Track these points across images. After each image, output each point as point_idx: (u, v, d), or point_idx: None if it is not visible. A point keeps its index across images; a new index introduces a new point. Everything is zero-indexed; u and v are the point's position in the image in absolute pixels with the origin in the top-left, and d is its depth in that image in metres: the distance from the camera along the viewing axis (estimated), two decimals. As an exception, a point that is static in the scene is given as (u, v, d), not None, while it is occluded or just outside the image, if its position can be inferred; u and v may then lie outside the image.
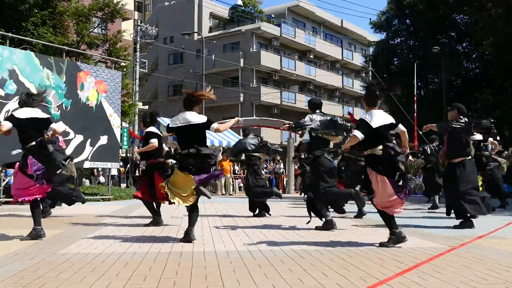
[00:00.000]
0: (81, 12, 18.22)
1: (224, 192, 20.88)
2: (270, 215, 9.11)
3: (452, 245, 5.49)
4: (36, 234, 5.75)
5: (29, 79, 11.76)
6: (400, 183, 5.27)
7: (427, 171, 11.86)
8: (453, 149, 7.45)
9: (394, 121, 5.52)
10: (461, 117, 7.29)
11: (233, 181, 21.95)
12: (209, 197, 5.70)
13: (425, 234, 6.54)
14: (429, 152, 11.44)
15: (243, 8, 43.93)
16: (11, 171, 10.86)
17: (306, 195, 7.37)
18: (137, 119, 27.45)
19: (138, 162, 20.32)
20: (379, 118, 5.39)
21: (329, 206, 7.29)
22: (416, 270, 4.11)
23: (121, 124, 16.90)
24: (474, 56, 27.44)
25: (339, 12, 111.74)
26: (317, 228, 6.90)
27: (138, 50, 30.60)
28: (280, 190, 22.71)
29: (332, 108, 44.13)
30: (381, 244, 5.40)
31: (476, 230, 7.01)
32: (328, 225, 6.85)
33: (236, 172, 22.42)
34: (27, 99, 5.94)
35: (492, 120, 10.90)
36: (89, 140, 13.00)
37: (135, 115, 25.32)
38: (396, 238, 5.37)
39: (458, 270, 4.14)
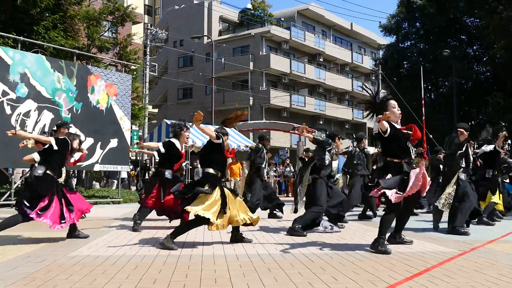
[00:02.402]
0: (91, 16, 18.33)
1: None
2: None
3: (463, 250, 5.46)
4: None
5: (40, 83, 11.86)
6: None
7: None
8: None
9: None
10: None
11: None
12: None
13: (435, 238, 6.50)
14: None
15: (253, 11, 44.00)
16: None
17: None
18: (147, 122, 27.52)
19: (148, 165, 20.41)
20: None
21: None
22: (426, 274, 4.08)
23: (131, 127, 16.97)
24: (484, 59, 27.26)
25: (348, 15, 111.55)
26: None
27: (148, 53, 30.70)
28: (290, 194, 22.92)
29: (341, 112, 44.08)
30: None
31: (487, 234, 6.96)
32: None
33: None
34: None
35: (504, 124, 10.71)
36: (100, 143, 13.06)
37: (145, 118, 25.40)
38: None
39: (469, 274, 4.11)
